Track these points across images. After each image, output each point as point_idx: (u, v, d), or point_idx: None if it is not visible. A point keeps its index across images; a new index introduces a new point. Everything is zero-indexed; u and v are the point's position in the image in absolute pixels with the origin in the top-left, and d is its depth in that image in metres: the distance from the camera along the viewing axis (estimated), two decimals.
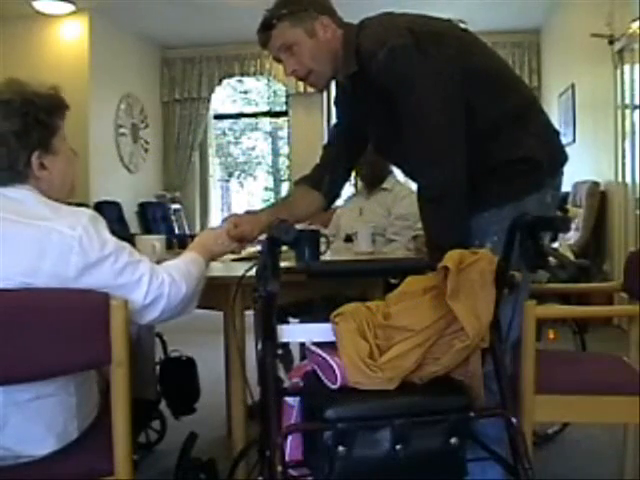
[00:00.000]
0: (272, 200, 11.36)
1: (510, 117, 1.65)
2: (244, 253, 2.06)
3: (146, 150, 7.75)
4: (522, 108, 1.69)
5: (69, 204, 1.39)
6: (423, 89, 1.58)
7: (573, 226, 5.02)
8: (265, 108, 11.43)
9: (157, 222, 7.45)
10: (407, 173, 1.92)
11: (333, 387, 1.28)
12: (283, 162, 10.94)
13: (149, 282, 1.36)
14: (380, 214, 3.21)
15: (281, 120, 9.51)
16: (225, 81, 8.26)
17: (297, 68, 1.73)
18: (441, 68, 1.60)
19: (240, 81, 10.26)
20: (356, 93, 1.79)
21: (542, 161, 1.65)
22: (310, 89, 8.50)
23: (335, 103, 1.99)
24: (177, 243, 6.38)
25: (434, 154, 1.60)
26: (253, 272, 1.30)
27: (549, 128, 1.77)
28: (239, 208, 9.96)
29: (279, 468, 1.21)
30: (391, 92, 1.62)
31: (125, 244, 1.39)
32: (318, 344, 1.36)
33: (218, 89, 8.19)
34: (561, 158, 1.77)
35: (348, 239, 3.02)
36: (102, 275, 1.31)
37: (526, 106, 1.72)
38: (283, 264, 1.31)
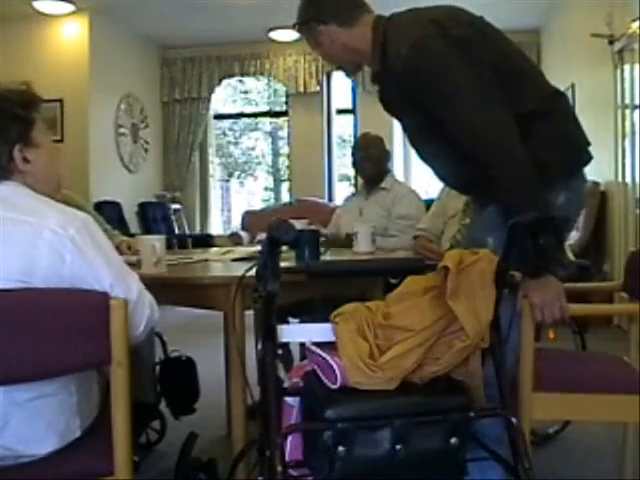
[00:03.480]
0: (272, 200, 11.36)
1: (525, 117, 1.61)
2: (244, 253, 2.06)
3: (146, 150, 7.75)
4: (539, 108, 1.66)
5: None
6: (450, 80, 1.58)
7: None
8: (265, 108, 11.42)
9: (157, 222, 7.44)
10: (439, 169, 1.89)
11: (333, 387, 1.28)
12: (283, 162, 10.92)
13: (138, 295, 1.37)
14: (380, 214, 3.22)
15: (281, 120, 9.50)
16: (225, 81, 8.25)
17: (325, 61, 1.93)
18: (466, 52, 1.58)
19: (240, 81, 10.24)
20: (385, 89, 1.82)
21: (549, 163, 1.61)
22: (310, 89, 8.43)
23: None
24: (177, 243, 6.39)
25: (477, 140, 1.56)
26: (253, 272, 1.30)
27: (568, 128, 1.72)
28: (239, 208, 9.94)
29: (279, 468, 1.21)
30: (418, 87, 1.62)
31: (117, 255, 1.40)
32: (318, 344, 1.36)
33: (218, 89, 8.18)
34: (580, 159, 1.72)
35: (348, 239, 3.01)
36: (96, 276, 1.31)
37: (543, 107, 1.67)
38: (283, 264, 1.31)
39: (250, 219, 7.19)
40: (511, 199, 1.53)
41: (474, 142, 1.56)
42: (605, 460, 2.43)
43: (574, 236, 5.03)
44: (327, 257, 2.24)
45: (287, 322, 1.47)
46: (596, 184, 5.13)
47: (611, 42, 4.73)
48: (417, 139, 1.83)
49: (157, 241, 1.95)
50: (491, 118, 1.56)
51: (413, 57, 1.58)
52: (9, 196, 1.33)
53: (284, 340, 1.40)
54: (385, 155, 3.37)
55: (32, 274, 1.26)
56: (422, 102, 1.62)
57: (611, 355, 2.12)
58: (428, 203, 3.14)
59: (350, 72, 1.91)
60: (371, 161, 3.28)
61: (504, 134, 1.55)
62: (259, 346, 1.34)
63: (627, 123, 4.79)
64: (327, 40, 1.77)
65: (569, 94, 6.01)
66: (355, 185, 7.76)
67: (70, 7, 6.22)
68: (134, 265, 1.75)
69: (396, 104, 1.79)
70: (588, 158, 1.73)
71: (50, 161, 1.47)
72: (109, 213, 6.50)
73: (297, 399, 1.40)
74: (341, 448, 1.21)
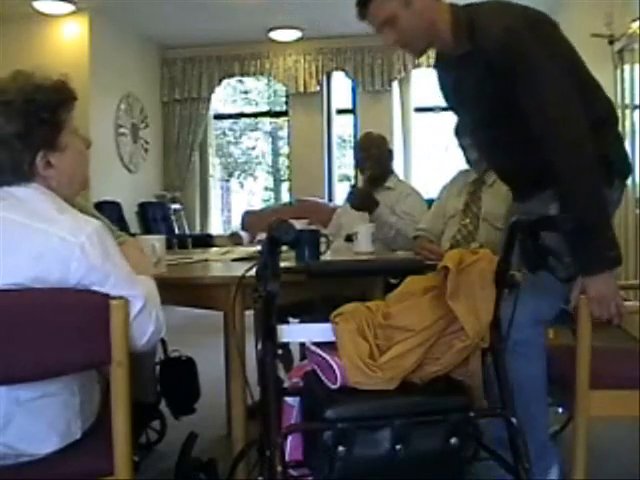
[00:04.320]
0: (272, 200, 11.36)
1: (593, 122, 1.66)
2: (244, 253, 2.06)
3: (146, 150, 7.74)
4: (602, 115, 1.74)
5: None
6: (539, 65, 1.64)
7: None
8: (265, 108, 11.43)
9: (157, 222, 7.44)
10: (494, 158, 1.95)
11: (333, 387, 1.28)
12: (283, 162, 10.93)
13: (142, 308, 1.34)
14: (386, 213, 3.19)
15: (281, 120, 9.50)
16: (225, 81, 8.24)
17: (397, 39, 1.79)
18: (555, 49, 1.68)
19: (240, 81, 10.25)
20: (462, 71, 1.82)
21: (614, 162, 1.71)
22: (310, 89, 8.41)
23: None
24: (177, 243, 6.38)
25: (552, 126, 1.63)
26: (253, 272, 1.30)
27: (620, 137, 1.84)
28: (239, 208, 9.95)
29: (279, 468, 1.21)
30: (506, 70, 1.65)
31: (126, 264, 1.37)
32: (318, 344, 1.36)
33: (218, 89, 8.17)
34: (627, 168, 1.84)
35: (349, 239, 3.01)
36: (101, 284, 1.29)
37: (605, 113, 1.77)
38: (283, 264, 1.31)
39: (250, 219, 7.19)
40: (573, 189, 1.59)
41: (549, 128, 1.62)
42: (609, 458, 2.42)
43: None
44: (327, 257, 2.24)
45: (287, 322, 1.47)
46: None
47: (611, 42, 4.72)
48: (480, 127, 1.88)
49: (157, 241, 1.95)
50: (569, 109, 1.62)
51: (507, 40, 1.63)
52: (27, 199, 1.32)
53: (284, 340, 1.40)
54: (387, 155, 3.36)
55: (36, 281, 1.25)
56: (505, 84, 1.66)
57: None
58: (428, 203, 3.14)
59: (417, 53, 1.87)
60: (372, 161, 3.27)
61: (578, 126, 1.61)
62: (259, 346, 1.34)
63: (627, 123, 4.78)
64: (420, 8, 1.72)
65: None
66: (355, 185, 7.75)
67: (70, 7, 6.22)
68: None
69: (471, 87, 1.80)
70: (630, 169, 1.85)
71: (76, 162, 1.43)
72: (109, 213, 6.50)
73: (297, 399, 1.40)
74: (341, 448, 1.21)
